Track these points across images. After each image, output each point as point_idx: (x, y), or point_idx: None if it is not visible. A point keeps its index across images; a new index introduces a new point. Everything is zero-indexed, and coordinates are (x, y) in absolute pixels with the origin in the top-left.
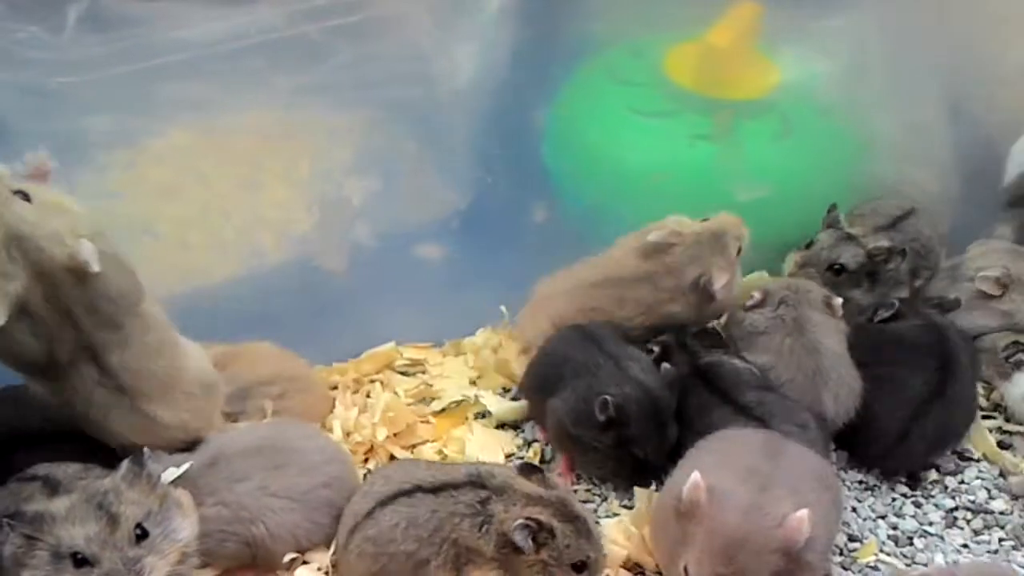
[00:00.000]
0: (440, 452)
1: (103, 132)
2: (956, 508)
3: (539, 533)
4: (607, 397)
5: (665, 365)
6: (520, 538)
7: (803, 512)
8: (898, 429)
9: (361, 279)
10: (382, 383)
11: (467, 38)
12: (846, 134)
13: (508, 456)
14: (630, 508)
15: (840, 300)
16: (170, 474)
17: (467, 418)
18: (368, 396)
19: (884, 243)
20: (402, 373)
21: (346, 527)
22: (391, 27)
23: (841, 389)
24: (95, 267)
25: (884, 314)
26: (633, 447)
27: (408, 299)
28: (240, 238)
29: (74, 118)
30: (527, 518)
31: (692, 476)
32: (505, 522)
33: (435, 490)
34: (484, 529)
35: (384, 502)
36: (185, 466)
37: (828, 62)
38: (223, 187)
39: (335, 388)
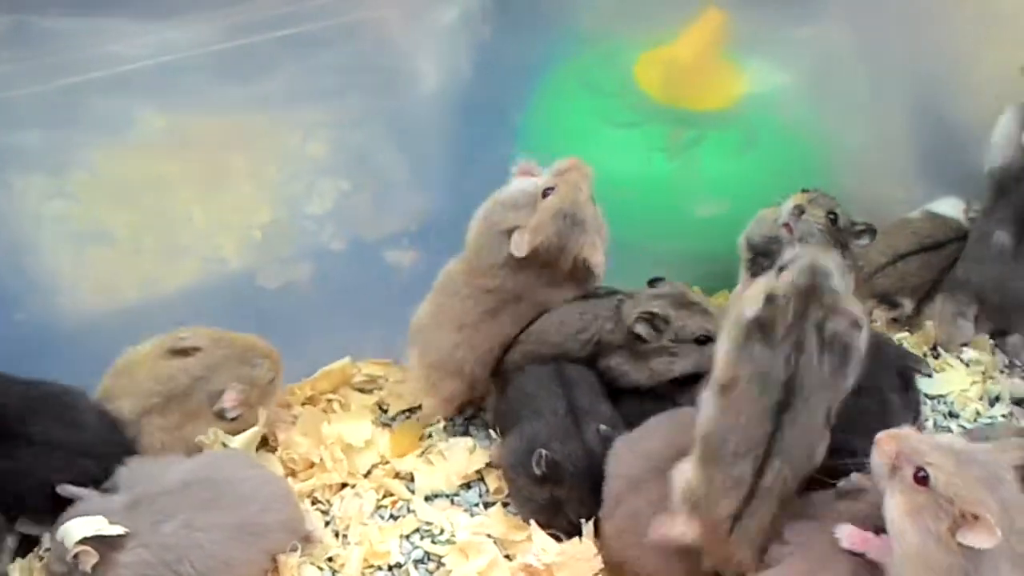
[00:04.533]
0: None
1: (41, 146)
2: None
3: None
4: (543, 451)
5: (603, 427)
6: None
7: None
8: None
9: (326, 287)
10: (340, 403)
11: (432, 43)
12: (811, 146)
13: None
14: None
15: None
16: (79, 531)
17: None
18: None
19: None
20: (359, 390)
21: None
22: (352, 34)
23: None
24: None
25: None
26: (566, 508)
27: (375, 308)
28: (198, 244)
29: (9, 133)
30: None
31: None
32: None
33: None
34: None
35: None
36: (100, 530)
37: (794, 73)
38: (182, 191)
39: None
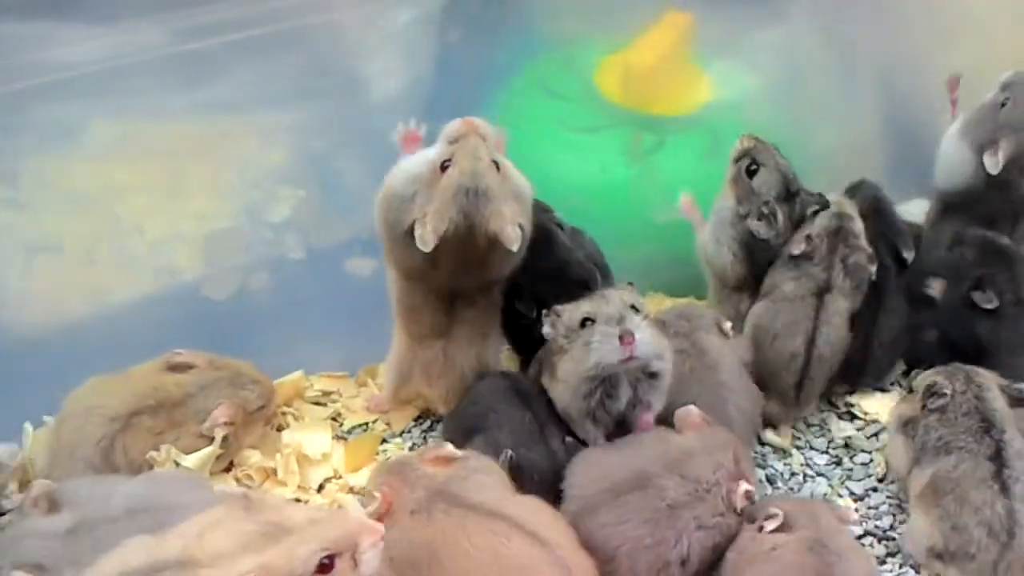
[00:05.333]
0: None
1: None
2: (864, 535)
3: None
4: (509, 451)
5: (569, 439)
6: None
7: None
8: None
9: (282, 297)
10: (294, 415)
11: (390, 47)
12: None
13: None
14: None
15: (729, 324)
16: None
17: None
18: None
19: None
20: (313, 403)
21: None
22: (308, 38)
23: (744, 401)
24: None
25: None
26: None
27: (332, 319)
28: (152, 254)
29: None
30: None
31: None
32: None
33: None
34: None
35: None
36: None
37: (761, 76)
38: (136, 200)
39: None
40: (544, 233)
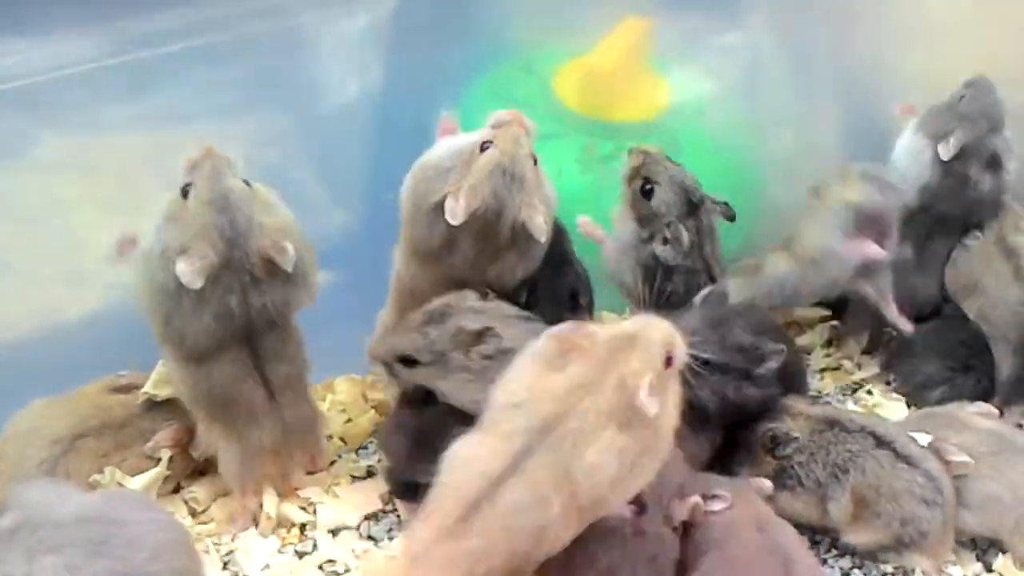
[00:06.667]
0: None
1: None
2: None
3: None
4: None
5: None
6: None
7: None
8: None
9: None
10: None
11: (343, 55)
12: (738, 155)
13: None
14: None
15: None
16: None
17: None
18: None
19: None
20: None
21: None
22: (258, 46)
23: None
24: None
25: None
26: None
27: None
28: (101, 269)
29: None
30: None
31: None
32: None
33: None
34: None
35: None
36: None
37: (720, 81)
38: (85, 214)
39: None
40: (555, 226)
